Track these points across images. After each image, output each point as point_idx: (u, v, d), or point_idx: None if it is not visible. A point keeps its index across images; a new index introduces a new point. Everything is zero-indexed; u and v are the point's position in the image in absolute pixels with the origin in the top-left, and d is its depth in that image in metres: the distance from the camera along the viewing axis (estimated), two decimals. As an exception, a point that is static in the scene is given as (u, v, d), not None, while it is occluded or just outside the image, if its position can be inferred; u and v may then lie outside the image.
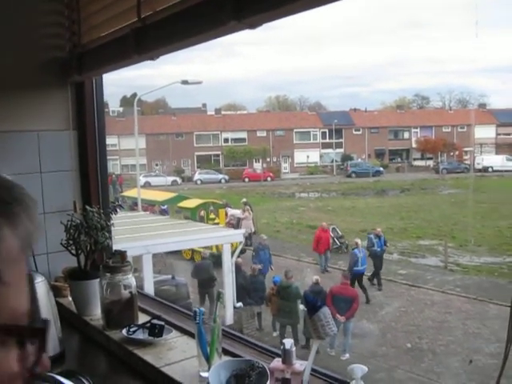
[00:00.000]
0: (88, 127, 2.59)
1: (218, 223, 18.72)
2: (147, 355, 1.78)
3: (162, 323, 1.90)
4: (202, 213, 20.18)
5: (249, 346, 1.76)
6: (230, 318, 11.37)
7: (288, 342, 1.29)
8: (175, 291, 11.64)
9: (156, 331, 1.85)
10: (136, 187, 21.10)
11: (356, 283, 13.44)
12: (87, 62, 2.37)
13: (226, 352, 1.70)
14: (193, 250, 16.35)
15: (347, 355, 10.52)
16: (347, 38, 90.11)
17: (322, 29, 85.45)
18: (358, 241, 14.53)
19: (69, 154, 2.60)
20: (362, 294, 13.22)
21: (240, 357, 1.64)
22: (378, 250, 15.21)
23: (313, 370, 1.37)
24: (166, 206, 22.26)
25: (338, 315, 10.65)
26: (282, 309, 11.04)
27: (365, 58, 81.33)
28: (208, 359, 1.59)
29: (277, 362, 1.32)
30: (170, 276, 12.46)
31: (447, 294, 14.10)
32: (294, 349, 1.29)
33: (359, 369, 1.12)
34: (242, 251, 17.43)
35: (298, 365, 1.28)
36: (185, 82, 18.64)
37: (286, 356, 1.30)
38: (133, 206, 21.35)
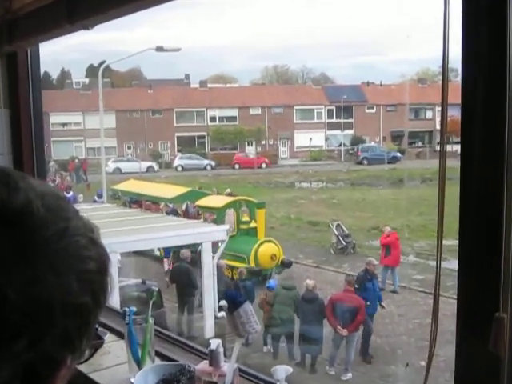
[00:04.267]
0: (22, 105, 2.71)
1: (255, 228, 17.20)
2: (77, 361, 1.92)
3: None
4: (232, 215, 17.35)
5: (188, 351, 1.91)
6: (210, 330, 11.49)
7: (215, 343, 1.43)
8: (146, 298, 11.77)
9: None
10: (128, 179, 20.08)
11: None
12: (19, 29, 2.50)
13: (161, 356, 1.85)
14: (231, 267, 14.90)
15: (349, 375, 10.62)
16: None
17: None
18: None
19: (0, 136, 2.72)
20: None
21: (176, 361, 1.79)
22: None
23: (241, 370, 1.51)
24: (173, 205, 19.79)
25: (339, 327, 10.72)
26: (276, 316, 11.01)
27: (382, 21, 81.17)
28: (139, 363, 1.73)
29: (204, 365, 1.47)
30: (139, 280, 12.60)
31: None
32: (221, 349, 1.43)
33: (283, 370, 1.26)
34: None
35: (226, 367, 1.42)
36: (160, 49, 18.49)
37: (212, 358, 1.44)
38: (130, 204, 19.62)
